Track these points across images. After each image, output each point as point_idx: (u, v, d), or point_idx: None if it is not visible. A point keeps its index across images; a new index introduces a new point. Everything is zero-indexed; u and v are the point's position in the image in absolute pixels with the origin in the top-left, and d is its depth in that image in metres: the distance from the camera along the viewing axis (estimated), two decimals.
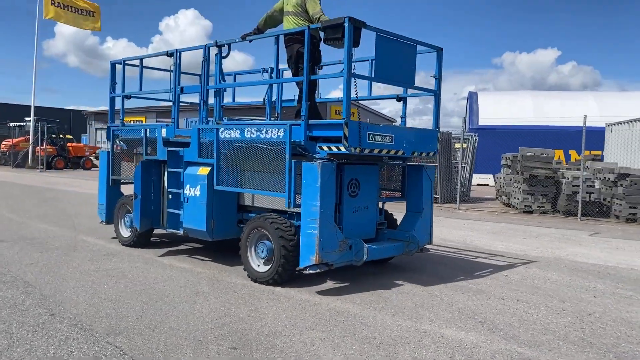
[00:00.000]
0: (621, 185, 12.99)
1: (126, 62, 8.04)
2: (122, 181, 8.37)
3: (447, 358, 3.97)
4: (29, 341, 4.06)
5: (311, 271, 5.48)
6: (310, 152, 5.79)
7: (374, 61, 6.13)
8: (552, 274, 6.91)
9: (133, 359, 3.80)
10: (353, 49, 5.54)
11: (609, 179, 13.43)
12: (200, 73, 6.96)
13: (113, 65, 8.30)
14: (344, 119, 5.48)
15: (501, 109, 27.28)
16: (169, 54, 7.29)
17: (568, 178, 13.71)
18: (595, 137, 14.29)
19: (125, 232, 7.97)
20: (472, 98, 29.74)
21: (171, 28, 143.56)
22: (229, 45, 6.68)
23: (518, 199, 14.55)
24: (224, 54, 6.67)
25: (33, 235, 8.69)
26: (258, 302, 5.25)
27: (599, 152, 19.07)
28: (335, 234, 5.61)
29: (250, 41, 6.61)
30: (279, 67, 8.37)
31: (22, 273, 6.15)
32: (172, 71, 7.42)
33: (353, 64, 5.62)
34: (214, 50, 6.74)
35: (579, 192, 13.21)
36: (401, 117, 7.34)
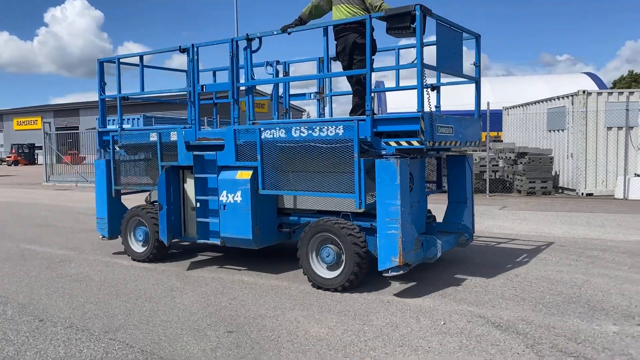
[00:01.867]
0: (521, 163, 14.59)
1: (121, 60, 7.41)
2: (122, 192, 7.68)
3: (414, 320, 4.69)
4: (34, 345, 4.28)
5: (393, 273, 5.25)
6: (376, 149, 5.53)
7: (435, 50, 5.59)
8: (479, 245, 7.92)
9: (143, 350, 4.16)
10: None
11: (511, 157, 15.02)
12: (230, 69, 6.40)
13: (101, 63, 7.55)
14: (419, 111, 5.22)
15: (407, 96, 28.80)
16: (182, 50, 6.71)
17: (476, 159, 15.13)
18: (492, 119, 15.80)
19: (139, 247, 7.27)
20: (379, 86, 31.12)
21: (58, 19, 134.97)
22: (260, 38, 6.24)
23: None
24: (254, 48, 6.26)
25: None
26: (233, 292, 5.71)
27: (495, 133, 20.95)
28: (412, 232, 5.39)
29: (289, 33, 6.15)
30: (285, 61, 7.95)
31: None
32: (176, 70, 7.12)
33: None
34: (242, 44, 6.29)
35: (486, 171, 14.66)
36: (435, 107, 6.87)
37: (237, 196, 6.17)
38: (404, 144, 5.36)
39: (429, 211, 6.89)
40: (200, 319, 4.85)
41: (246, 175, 6.13)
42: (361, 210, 5.59)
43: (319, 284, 5.70)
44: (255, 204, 6.14)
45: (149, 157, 7.29)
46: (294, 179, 5.92)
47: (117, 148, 7.45)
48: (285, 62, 7.94)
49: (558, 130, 15.05)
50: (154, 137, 7.00)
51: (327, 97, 7.93)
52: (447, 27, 5.64)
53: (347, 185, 5.50)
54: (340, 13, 6.24)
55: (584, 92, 13.63)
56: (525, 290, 5.53)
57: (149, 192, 7.81)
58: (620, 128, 13.68)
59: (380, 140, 5.50)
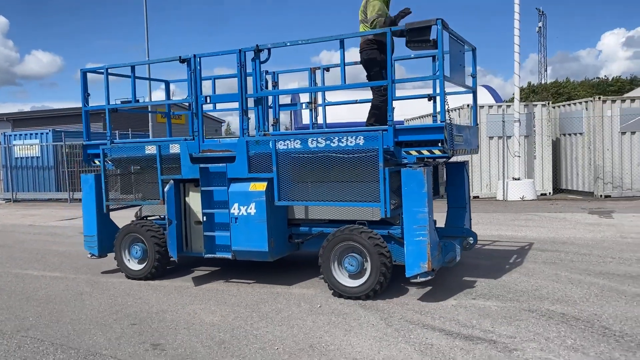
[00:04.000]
0: None
1: (110, 70, 7.11)
2: (111, 207, 7.26)
3: (296, 306, 5.55)
4: None
5: (422, 279, 5.37)
6: (397, 158, 5.67)
7: (448, 62, 5.73)
8: None
9: (53, 343, 4.72)
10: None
11: None
12: (238, 80, 6.35)
13: (84, 73, 7.27)
14: (442, 121, 5.45)
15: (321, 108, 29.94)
16: (182, 60, 6.59)
17: None
18: None
19: (135, 265, 7.01)
20: (294, 99, 32.07)
21: None
22: (269, 50, 6.21)
23: None
24: (262, 59, 6.24)
25: None
26: (139, 293, 6.31)
27: None
28: (436, 238, 5.56)
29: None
30: (274, 71, 7.95)
31: None
32: (157, 80, 7.01)
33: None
34: (250, 55, 6.26)
35: None
36: (434, 116, 7.25)
37: (250, 208, 6.09)
38: (425, 152, 5.53)
39: None
40: (106, 316, 5.44)
41: (260, 187, 6.08)
42: (378, 219, 5.78)
43: (342, 292, 5.74)
44: (270, 216, 6.12)
45: (143, 170, 7.11)
46: (313, 189, 5.92)
47: (108, 162, 7.18)
48: (274, 72, 8.02)
49: None
50: (150, 149, 6.78)
51: (322, 107, 8.19)
52: (457, 41, 5.89)
53: (370, 194, 5.56)
54: (361, 30, 6.67)
55: (468, 105, 15.24)
56: (391, 278, 6.52)
57: (139, 208, 7.55)
58: (500, 137, 15.40)
59: (401, 149, 5.62)
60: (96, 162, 7.40)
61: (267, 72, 7.66)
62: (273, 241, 6.15)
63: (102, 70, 7.11)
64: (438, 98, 6.79)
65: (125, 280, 6.96)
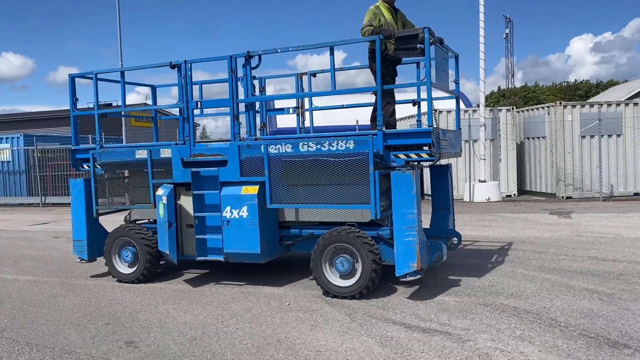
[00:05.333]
0: None
1: (99, 75, 7.17)
2: (101, 211, 7.33)
3: (265, 304, 5.79)
4: None
5: (412, 278, 5.55)
6: (386, 161, 5.82)
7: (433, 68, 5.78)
8: None
9: (28, 343, 4.88)
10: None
11: None
12: (229, 85, 6.49)
13: (72, 79, 7.32)
14: (430, 126, 5.60)
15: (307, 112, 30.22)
16: (173, 66, 6.68)
17: None
18: None
19: (125, 269, 7.06)
20: (269, 104, 32.26)
21: None
22: (259, 56, 6.37)
23: None
24: (253, 65, 6.36)
25: None
26: (113, 294, 6.48)
27: None
28: (424, 238, 5.73)
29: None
30: (261, 77, 7.98)
31: None
32: (144, 85, 7.20)
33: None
34: (241, 61, 6.38)
35: None
36: (417, 120, 7.64)
37: (242, 211, 6.23)
38: (413, 156, 5.72)
39: None
40: (81, 317, 5.61)
41: (252, 190, 6.21)
42: (368, 220, 5.99)
43: (334, 292, 5.89)
44: (262, 219, 6.26)
45: (133, 174, 7.22)
46: (304, 192, 6.07)
47: (98, 166, 7.21)
48: (261, 78, 8.14)
49: None
50: (141, 154, 6.88)
51: (308, 112, 8.25)
52: (441, 48, 6.13)
53: (361, 197, 5.75)
54: None
55: (435, 110, 15.68)
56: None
57: (128, 212, 7.61)
58: (466, 141, 15.88)
59: (390, 153, 5.80)
60: (85, 166, 7.48)
61: (254, 77, 7.67)
62: (265, 243, 6.29)
63: (92, 76, 7.17)
64: (422, 103, 7.16)
65: (99, 282, 7.11)
